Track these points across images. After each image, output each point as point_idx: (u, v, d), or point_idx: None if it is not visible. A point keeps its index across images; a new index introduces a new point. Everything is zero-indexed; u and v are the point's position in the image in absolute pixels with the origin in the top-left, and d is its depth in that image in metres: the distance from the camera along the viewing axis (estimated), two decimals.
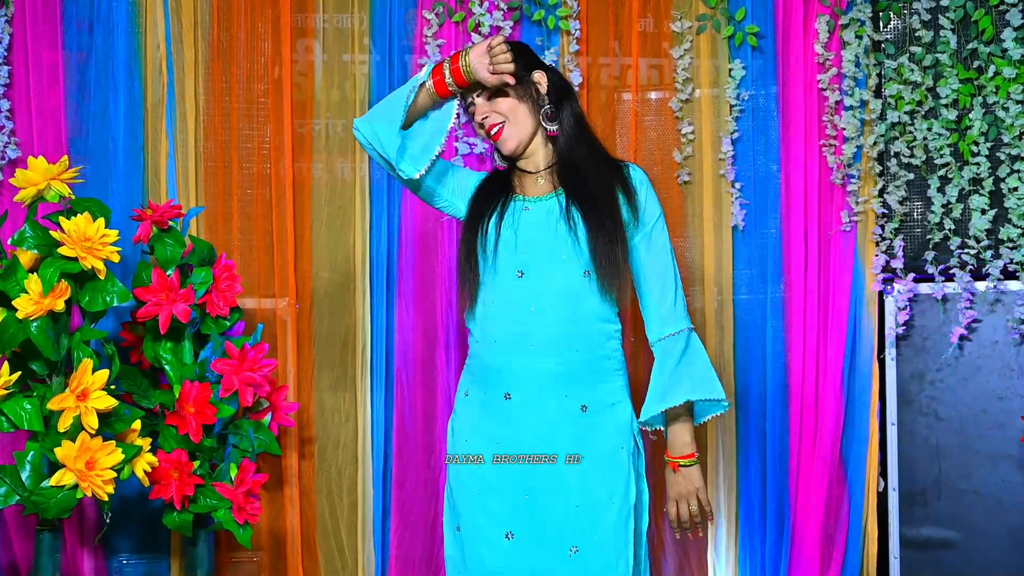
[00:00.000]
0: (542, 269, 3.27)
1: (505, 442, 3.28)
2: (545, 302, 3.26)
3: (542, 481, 3.25)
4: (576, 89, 4.70)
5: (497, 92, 3.34)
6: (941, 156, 4.69)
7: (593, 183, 3.31)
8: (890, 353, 4.79)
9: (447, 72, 3.31)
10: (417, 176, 3.34)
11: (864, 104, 4.76)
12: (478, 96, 3.37)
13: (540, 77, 3.39)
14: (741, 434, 4.84)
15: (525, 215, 3.33)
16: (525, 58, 3.40)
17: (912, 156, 4.72)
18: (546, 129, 3.38)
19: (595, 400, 3.29)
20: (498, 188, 3.43)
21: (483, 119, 3.37)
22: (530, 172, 3.42)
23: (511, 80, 3.29)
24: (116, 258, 3.85)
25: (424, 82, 3.33)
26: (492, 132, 3.36)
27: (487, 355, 3.33)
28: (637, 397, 4.66)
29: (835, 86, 4.77)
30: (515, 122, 3.35)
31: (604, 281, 3.26)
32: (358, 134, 3.33)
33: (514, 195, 3.39)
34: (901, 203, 4.75)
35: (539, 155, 3.41)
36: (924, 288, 4.76)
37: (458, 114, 3.41)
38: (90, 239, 3.80)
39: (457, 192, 3.49)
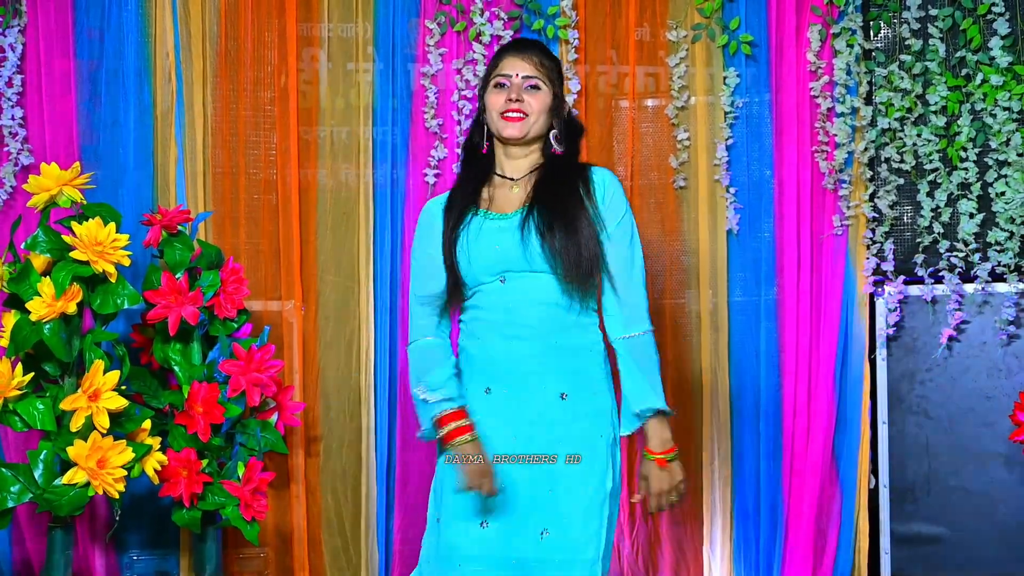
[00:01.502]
0: (520, 278, 3.32)
1: (491, 440, 3.31)
2: (525, 304, 3.30)
3: (522, 470, 3.29)
4: (575, 97, 4.79)
5: (538, 85, 3.37)
6: (930, 161, 4.74)
7: (563, 190, 3.33)
8: (881, 354, 4.83)
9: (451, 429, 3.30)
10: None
11: (855, 111, 4.80)
12: (517, 77, 3.37)
13: (564, 104, 3.46)
14: (736, 433, 4.88)
15: (498, 230, 3.34)
16: (562, 77, 3.48)
17: (902, 161, 4.76)
18: (551, 145, 3.42)
19: (575, 388, 3.32)
20: (466, 202, 3.42)
21: (513, 97, 3.36)
22: (507, 179, 3.43)
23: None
24: (127, 262, 3.90)
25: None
26: (512, 114, 3.36)
27: (470, 347, 3.39)
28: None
29: (827, 93, 4.81)
30: (535, 121, 3.37)
31: (575, 289, 3.29)
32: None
33: (483, 210, 3.39)
34: (891, 207, 4.79)
35: (527, 160, 3.43)
36: (914, 290, 4.80)
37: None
38: (101, 243, 3.84)
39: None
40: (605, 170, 3.44)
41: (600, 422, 3.35)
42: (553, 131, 3.42)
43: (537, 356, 3.31)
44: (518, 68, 3.38)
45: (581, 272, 3.28)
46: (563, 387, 3.31)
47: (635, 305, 3.34)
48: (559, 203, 3.32)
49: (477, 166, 3.49)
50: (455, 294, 3.40)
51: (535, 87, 3.38)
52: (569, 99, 4.76)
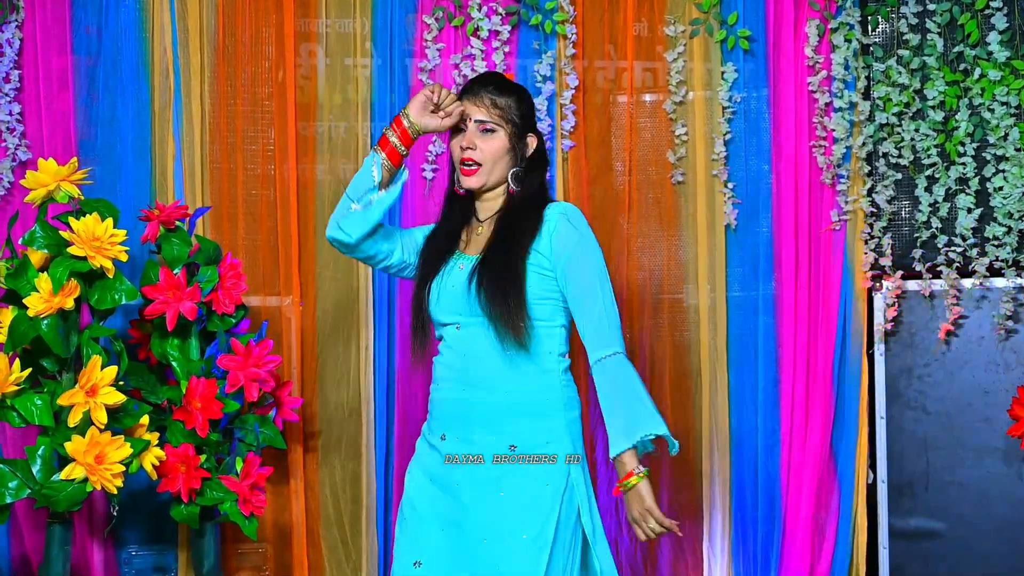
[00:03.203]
0: (471, 324, 3.30)
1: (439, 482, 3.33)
2: (480, 351, 3.29)
3: (463, 512, 3.26)
4: (573, 92, 4.80)
5: (493, 128, 3.34)
6: (928, 156, 4.75)
7: (512, 236, 3.30)
8: (879, 349, 4.84)
9: (394, 139, 3.33)
10: (353, 242, 3.41)
11: (853, 106, 4.81)
12: (471, 121, 3.35)
13: (532, 141, 3.39)
14: (734, 428, 4.89)
15: (458, 273, 3.33)
16: (526, 109, 3.41)
17: (900, 156, 4.78)
18: (509, 185, 3.37)
19: (525, 441, 3.26)
20: (444, 243, 3.42)
21: (466, 146, 3.35)
22: (478, 219, 3.42)
23: (457, 118, 3.33)
24: (124, 257, 3.89)
25: (378, 160, 3.35)
26: (466, 165, 3.35)
27: (435, 392, 3.40)
28: None
29: (825, 88, 4.82)
30: (490, 169, 3.34)
31: (508, 339, 3.24)
32: (335, 242, 3.45)
33: (458, 251, 3.39)
34: (889, 202, 4.80)
35: (495, 203, 3.41)
36: (912, 285, 4.81)
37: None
38: (99, 239, 3.84)
39: (407, 250, 3.49)
40: (559, 205, 3.37)
41: (548, 474, 3.25)
42: (514, 170, 3.38)
43: (489, 407, 3.28)
44: (471, 111, 3.35)
45: (506, 321, 3.23)
46: (512, 438, 3.26)
47: (599, 330, 3.23)
48: (501, 250, 3.30)
49: (454, 208, 3.48)
50: (419, 334, 3.42)
51: (489, 130, 3.34)
52: (567, 95, 4.77)
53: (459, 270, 3.34)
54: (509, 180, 3.37)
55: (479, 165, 3.34)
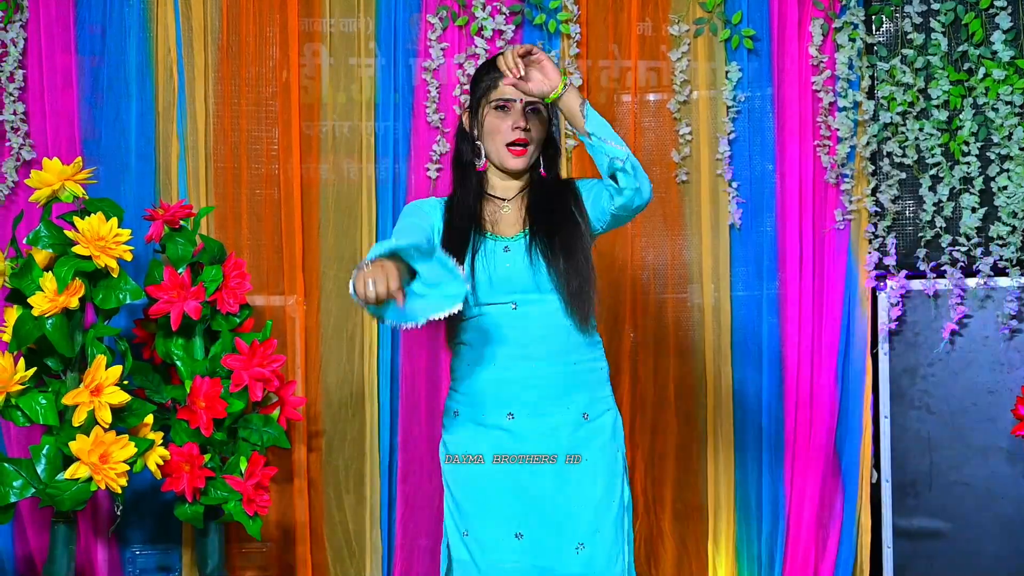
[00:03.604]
0: (531, 301, 3.28)
1: (506, 446, 3.30)
2: (541, 327, 3.28)
3: (546, 481, 3.28)
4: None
5: (536, 111, 3.30)
6: (932, 156, 4.75)
7: (559, 213, 3.30)
8: (883, 348, 4.83)
9: None
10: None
11: (857, 105, 4.81)
12: (520, 102, 3.27)
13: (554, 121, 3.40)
14: (738, 427, 4.89)
15: (504, 255, 3.29)
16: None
17: (904, 156, 4.78)
18: (538, 165, 3.37)
19: (593, 408, 3.32)
20: (467, 222, 3.34)
21: (522, 126, 3.28)
22: (498, 198, 3.38)
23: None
24: (129, 257, 3.92)
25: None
26: (517, 145, 3.29)
27: (484, 372, 3.32)
28: (639, 389, 4.76)
29: (829, 88, 4.82)
30: (535, 149, 3.33)
31: (579, 316, 3.28)
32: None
33: (486, 232, 3.33)
34: (893, 202, 4.80)
35: (519, 181, 3.39)
36: (916, 284, 4.81)
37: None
38: (103, 238, 3.86)
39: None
40: (583, 179, 3.44)
41: (616, 439, 3.36)
42: (550, 151, 3.40)
43: (557, 377, 3.29)
44: (520, 91, 3.24)
45: (581, 298, 3.27)
46: (584, 408, 3.32)
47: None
48: (557, 227, 3.30)
49: (469, 184, 3.41)
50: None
51: (536, 111, 3.32)
52: None
53: (504, 252, 3.30)
54: (542, 161, 3.37)
55: (529, 145, 3.31)
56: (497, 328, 3.30)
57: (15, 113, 4.64)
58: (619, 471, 3.33)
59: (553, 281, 3.27)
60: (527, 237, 3.31)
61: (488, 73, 3.34)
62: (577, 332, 3.30)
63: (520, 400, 3.29)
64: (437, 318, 2.93)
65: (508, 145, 3.30)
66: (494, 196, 3.39)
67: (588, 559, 3.26)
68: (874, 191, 4.83)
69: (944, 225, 4.76)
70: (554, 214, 3.32)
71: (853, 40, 4.79)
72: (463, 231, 3.33)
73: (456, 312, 2.94)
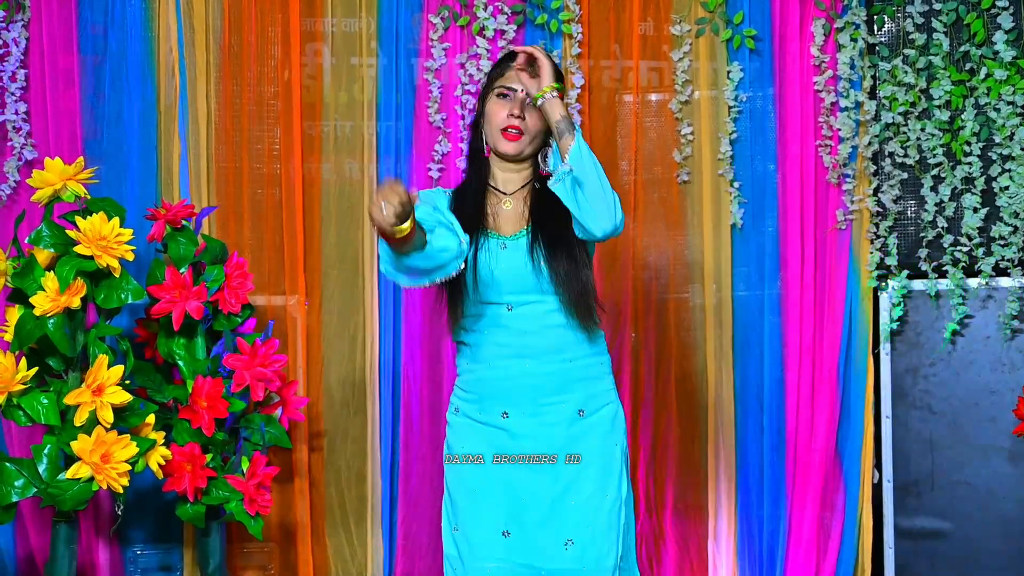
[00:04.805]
0: (529, 300, 3.31)
1: (504, 445, 3.34)
2: (538, 326, 3.31)
3: (541, 479, 3.31)
4: (579, 91, 4.80)
5: (537, 107, 3.31)
6: (934, 156, 4.75)
7: (560, 217, 3.29)
8: (884, 348, 4.84)
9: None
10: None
11: (859, 105, 4.81)
12: (522, 92, 3.32)
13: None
14: (740, 428, 4.89)
15: (502, 253, 3.32)
16: (563, 88, 3.36)
17: (906, 156, 4.78)
18: (539, 166, 3.42)
19: (590, 403, 3.35)
20: (471, 216, 3.36)
21: (516, 113, 3.32)
22: (499, 191, 3.42)
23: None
24: (130, 256, 3.92)
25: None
26: (510, 130, 3.34)
27: (482, 370, 3.37)
28: (640, 389, 4.75)
29: (831, 88, 4.82)
30: (530, 141, 3.36)
31: (578, 317, 3.31)
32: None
33: (488, 231, 3.36)
34: (895, 202, 4.80)
35: (521, 175, 3.43)
36: (918, 285, 4.81)
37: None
38: (105, 238, 3.86)
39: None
40: None
41: (615, 433, 3.37)
42: (545, 149, 3.41)
43: (553, 376, 3.32)
44: (522, 83, 3.32)
45: (584, 301, 3.31)
46: (580, 404, 3.34)
47: None
48: (559, 229, 3.32)
49: (477, 174, 3.46)
50: (453, 310, 3.39)
51: (535, 107, 3.33)
52: (572, 94, 4.77)
53: (502, 249, 3.34)
54: (539, 159, 3.42)
55: (524, 135, 3.35)
56: (493, 326, 3.35)
57: (17, 113, 4.63)
58: (615, 465, 3.35)
59: (554, 283, 3.30)
60: (528, 237, 3.34)
61: (502, 63, 3.43)
62: (574, 329, 3.33)
63: (513, 398, 3.33)
64: (442, 280, 3.19)
65: (502, 130, 3.35)
66: (495, 188, 3.44)
67: (578, 554, 3.29)
68: (876, 191, 4.83)
69: (946, 225, 4.76)
70: (556, 215, 3.32)
71: (855, 40, 4.79)
72: (466, 220, 3.34)
73: (458, 272, 3.19)
